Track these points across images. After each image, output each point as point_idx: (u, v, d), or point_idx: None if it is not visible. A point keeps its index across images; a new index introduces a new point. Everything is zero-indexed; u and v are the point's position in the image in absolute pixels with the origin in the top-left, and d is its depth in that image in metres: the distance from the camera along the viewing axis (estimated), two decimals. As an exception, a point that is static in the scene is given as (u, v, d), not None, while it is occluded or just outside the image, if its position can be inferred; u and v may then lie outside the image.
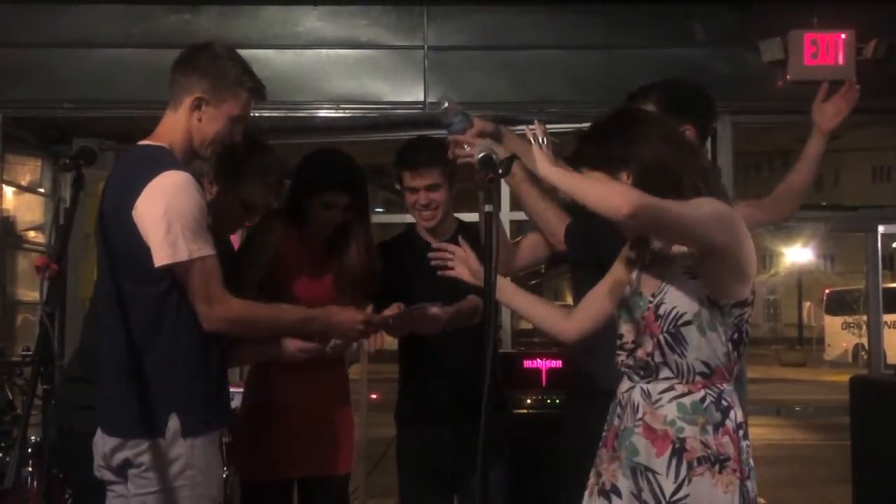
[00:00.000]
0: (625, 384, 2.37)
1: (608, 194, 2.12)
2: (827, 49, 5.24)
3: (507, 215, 5.40)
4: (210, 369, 2.59)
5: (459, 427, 3.19)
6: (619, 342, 2.38)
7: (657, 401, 2.27)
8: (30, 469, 3.59)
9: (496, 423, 2.74)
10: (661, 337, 2.27)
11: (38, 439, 3.55)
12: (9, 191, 5.64)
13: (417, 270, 3.14)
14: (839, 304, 24.22)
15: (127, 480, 2.51)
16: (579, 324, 2.55)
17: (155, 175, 2.46)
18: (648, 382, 2.30)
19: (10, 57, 5.32)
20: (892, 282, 21.18)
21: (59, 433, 2.73)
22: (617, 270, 2.49)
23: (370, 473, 6.41)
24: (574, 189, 2.19)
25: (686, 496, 2.20)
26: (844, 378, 5.04)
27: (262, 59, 5.24)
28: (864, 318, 7.63)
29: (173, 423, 2.46)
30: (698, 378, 2.26)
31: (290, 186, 3.25)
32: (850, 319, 23.14)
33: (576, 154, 2.37)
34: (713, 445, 2.22)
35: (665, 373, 2.28)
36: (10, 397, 4.88)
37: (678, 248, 2.30)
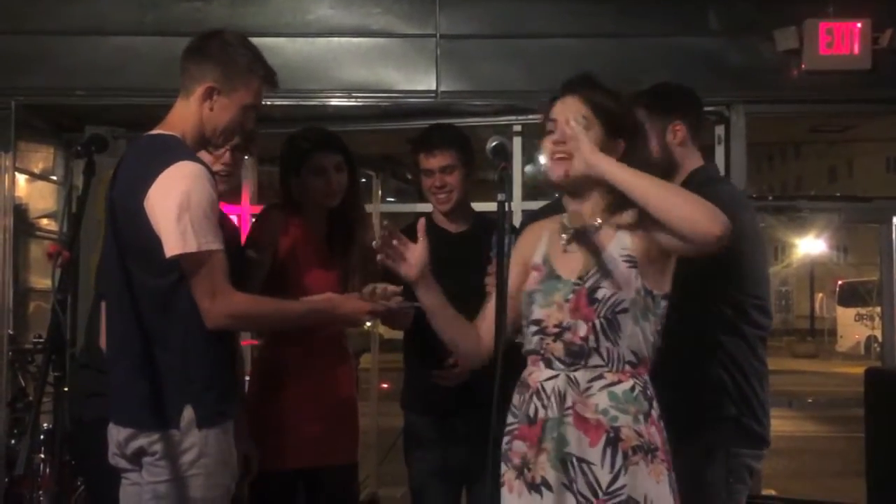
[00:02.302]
0: (542, 373, 2.31)
1: (702, 209, 2.13)
2: (842, 38, 5.19)
3: (518, 204, 5.39)
4: (223, 359, 2.59)
5: (466, 416, 3.20)
6: (535, 328, 2.33)
7: (587, 389, 2.24)
8: (41, 456, 3.61)
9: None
10: (596, 321, 2.24)
11: (50, 426, 3.57)
12: (21, 178, 5.65)
13: (435, 258, 3.14)
14: (852, 296, 24.17)
15: (141, 468, 2.51)
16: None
17: (168, 165, 2.45)
18: (575, 370, 2.26)
19: (22, 44, 5.32)
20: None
21: (71, 421, 2.74)
22: (513, 272, 2.38)
23: (381, 462, 6.43)
24: (654, 190, 2.18)
25: (623, 486, 2.18)
26: (857, 370, 5.02)
27: (274, 47, 5.22)
28: (877, 309, 7.59)
29: (188, 413, 2.46)
30: (627, 367, 2.25)
31: (280, 176, 3.26)
32: (862, 311, 23.09)
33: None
34: (645, 434, 2.22)
35: (595, 360, 2.25)
36: (23, 384, 4.91)
37: (613, 233, 2.30)
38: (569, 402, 2.24)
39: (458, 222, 3.41)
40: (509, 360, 2.17)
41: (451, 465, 3.34)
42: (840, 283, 25.99)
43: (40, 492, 3.54)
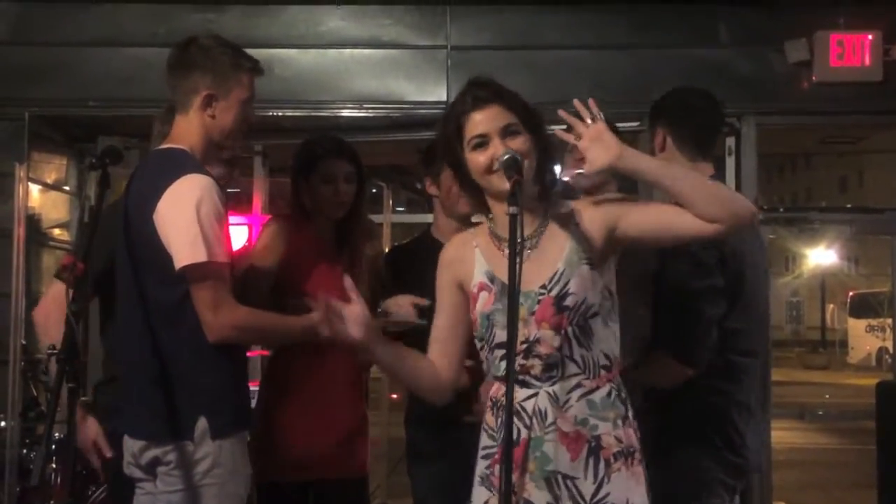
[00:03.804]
0: (519, 392, 2.21)
1: (737, 195, 2.20)
2: (853, 50, 5.19)
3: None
4: (236, 369, 2.59)
5: (469, 430, 3.19)
6: (501, 351, 2.24)
7: (566, 402, 2.20)
8: (54, 466, 3.61)
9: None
10: (568, 329, 2.18)
11: (63, 436, 3.58)
12: (34, 188, 5.68)
13: (433, 274, 3.14)
14: (863, 307, 24.05)
15: (156, 478, 2.52)
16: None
17: (176, 178, 2.47)
18: (553, 384, 2.20)
19: (35, 56, 5.36)
20: (917, 285, 20.91)
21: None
22: (446, 297, 2.38)
23: (391, 474, 6.42)
24: (694, 182, 2.18)
25: (607, 495, 2.16)
26: (868, 381, 5.01)
27: (286, 58, 5.26)
28: (889, 321, 7.56)
29: (202, 424, 2.46)
30: (602, 371, 2.22)
31: (291, 180, 3.27)
32: (873, 322, 22.94)
33: None
34: (623, 438, 2.20)
35: (571, 368, 2.20)
36: (35, 394, 4.92)
37: (560, 240, 2.24)
38: (550, 419, 2.19)
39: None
40: None
41: (455, 479, 3.33)
42: (851, 294, 25.86)
43: (52, 502, 3.55)
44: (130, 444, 2.57)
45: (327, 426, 3.12)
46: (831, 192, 36.22)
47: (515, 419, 2.21)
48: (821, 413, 11.02)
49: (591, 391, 2.20)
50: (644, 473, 2.22)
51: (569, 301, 2.19)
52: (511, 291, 2.03)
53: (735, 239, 2.73)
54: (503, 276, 2.19)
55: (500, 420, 2.27)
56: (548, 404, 2.20)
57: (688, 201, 2.13)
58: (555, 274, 2.21)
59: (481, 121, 2.25)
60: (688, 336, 2.77)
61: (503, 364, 2.24)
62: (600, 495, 2.16)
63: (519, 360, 2.20)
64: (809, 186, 39.51)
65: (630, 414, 2.24)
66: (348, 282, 2.27)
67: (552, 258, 2.23)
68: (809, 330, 33.68)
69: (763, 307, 3.04)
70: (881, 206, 8.85)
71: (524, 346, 2.20)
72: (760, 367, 2.99)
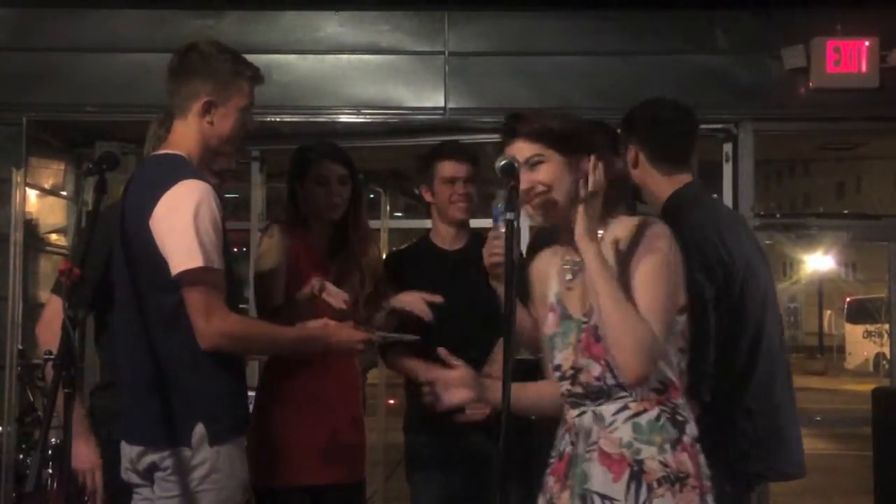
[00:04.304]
0: (573, 411, 2.27)
1: (629, 352, 2.11)
2: (850, 56, 5.20)
3: (527, 222, 5.39)
4: (234, 375, 2.59)
5: (468, 437, 3.20)
6: (557, 373, 2.29)
7: (611, 423, 2.20)
8: (49, 471, 3.61)
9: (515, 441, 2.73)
10: (609, 359, 2.19)
11: (59, 441, 3.58)
12: (32, 194, 5.68)
13: (432, 279, 3.15)
14: (860, 313, 24.06)
15: (153, 484, 2.52)
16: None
17: (172, 184, 2.46)
18: (600, 405, 2.22)
19: (33, 61, 5.36)
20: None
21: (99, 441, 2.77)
22: (541, 309, 2.40)
23: (388, 479, 6.42)
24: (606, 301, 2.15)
25: None
26: (865, 387, 5.01)
27: (284, 64, 5.27)
28: (886, 326, 7.57)
29: (199, 430, 2.46)
30: (652, 394, 2.20)
31: (287, 186, 3.29)
32: (871, 328, 22.97)
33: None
34: (672, 464, 2.16)
35: (618, 392, 2.20)
36: (32, 399, 4.91)
37: (613, 264, 2.22)
38: (594, 438, 2.21)
39: (456, 241, 3.41)
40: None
41: (454, 485, 3.33)
42: (848, 299, 25.88)
43: (48, 506, 3.55)
44: (128, 450, 2.56)
45: (324, 432, 3.13)
46: (829, 199, 36.26)
47: (567, 434, 2.28)
48: (818, 419, 10.99)
49: (638, 414, 2.19)
50: (700, 500, 2.17)
51: (602, 331, 2.19)
52: (507, 298, 2.03)
53: (733, 248, 2.73)
54: (565, 300, 2.30)
55: (560, 433, 2.32)
56: (592, 424, 2.22)
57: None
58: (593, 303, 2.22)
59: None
60: (693, 373, 2.72)
61: (560, 384, 2.29)
62: None
63: (566, 385, 2.27)
64: (807, 193, 39.56)
65: (687, 439, 2.19)
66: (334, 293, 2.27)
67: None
68: (807, 336, 33.71)
69: (759, 310, 2.97)
70: (878, 213, 8.85)
71: (572, 371, 2.25)
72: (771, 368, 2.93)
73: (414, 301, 3.12)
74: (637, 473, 2.15)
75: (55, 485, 3.54)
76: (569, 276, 2.32)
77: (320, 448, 3.12)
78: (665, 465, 2.15)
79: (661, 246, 2.21)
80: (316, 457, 3.11)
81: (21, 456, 4.66)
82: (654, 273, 2.18)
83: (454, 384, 2.32)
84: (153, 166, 2.61)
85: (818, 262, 28.51)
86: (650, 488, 2.14)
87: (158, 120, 2.98)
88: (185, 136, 2.60)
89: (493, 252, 2.68)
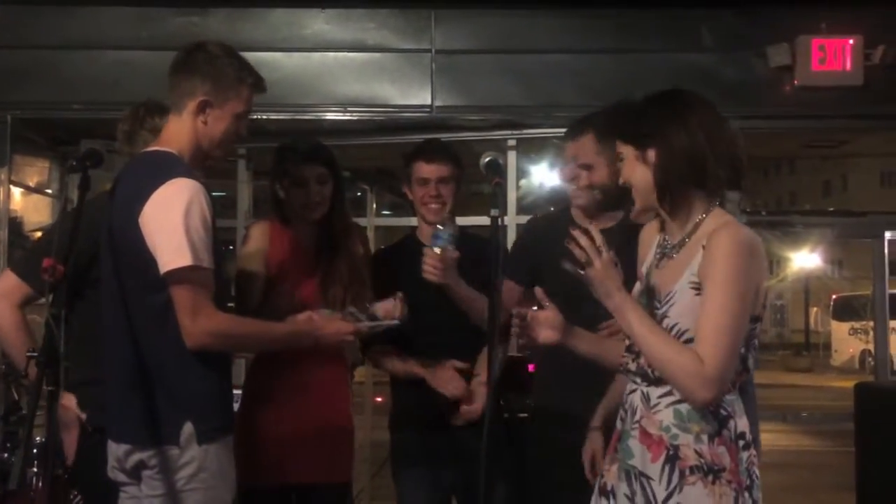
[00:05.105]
0: (630, 386, 2.34)
1: (688, 379, 2.13)
2: (835, 54, 5.23)
3: (513, 219, 5.40)
4: (221, 373, 2.58)
5: (454, 433, 3.21)
6: (627, 341, 2.33)
7: (655, 405, 2.24)
8: (34, 470, 3.59)
9: (497, 433, 2.74)
10: None
11: (43, 440, 3.56)
12: (17, 191, 5.66)
13: (418, 276, 3.15)
14: (846, 310, 24.15)
15: (140, 482, 2.51)
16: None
17: (163, 182, 2.45)
18: (648, 386, 2.26)
19: (19, 58, 5.34)
20: (900, 288, 21.02)
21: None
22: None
23: (374, 476, 6.42)
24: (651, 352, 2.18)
25: None
26: (851, 384, 5.02)
27: (270, 61, 5.26)
28: (871, 323, 7.61)
29: (187, 429, 2.45)
30: None
31: (269, 186, 3.28)
32: (857, 325, 23.05)
33: (610, 125, 2.34)
34: (707, 455, 2.18)
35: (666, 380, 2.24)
36: (17, 397, 4.89)
37: (690, 256, 2.24)
38: (637, 416, 2.26)
39: None
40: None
41: (440, 482, 3.34)
42: (834, 297, 25.97)
43: (33, 505, 3.53)
44: (115, 448, 2.55)
45: (312, 429, 3.11)
46: (815, 196, 36.41)
47: (622, 409, 2.33)
48: (804, 415, 11.05)
49: (681, 401, 2.21)
50: (735, 498, 2.17)
51: (665, 323, 2.22)
52: (492, 291, 2.04)
53: None
54: (651, 276, 2.31)
55: (620, 411, 2.36)
56: (639, 402, 2.26)
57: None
58: (671, 293, 2.24)
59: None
60: None
61: (625, 359, 2.33)
62: (671, 503, 2.18)
63: (628, 360, 2.31)
64: (794, 190, 39.70)
65: (728, 434, 2.20)
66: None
67: (676, 274, 2.25)
68: (793, 333, 33.84)
69: None
70: (864, 210, 8.89)
71: (637, 350, 2.27)
72: None
73: (390, 309, 3.09)
74: (672, 458, 2.19)
75: (39, 483, 3.53)
76: (657, 258, 2.33)
77: (307, 447, 3.10)
78: (700, 454, 2.18)
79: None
80: (302, 456, 3.09)
81: (6, 455, 4.63)
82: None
83: (545, 323, 2.33)
84: (144, 163, 2.59)
85: (804, 259, 28.57)
86: (682, 474, 2.17)
87: (134, 116, 2.97)
88: (179, 133, 2.59)
89: (428, 271, 2.72)
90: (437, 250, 2.83)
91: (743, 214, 5.47)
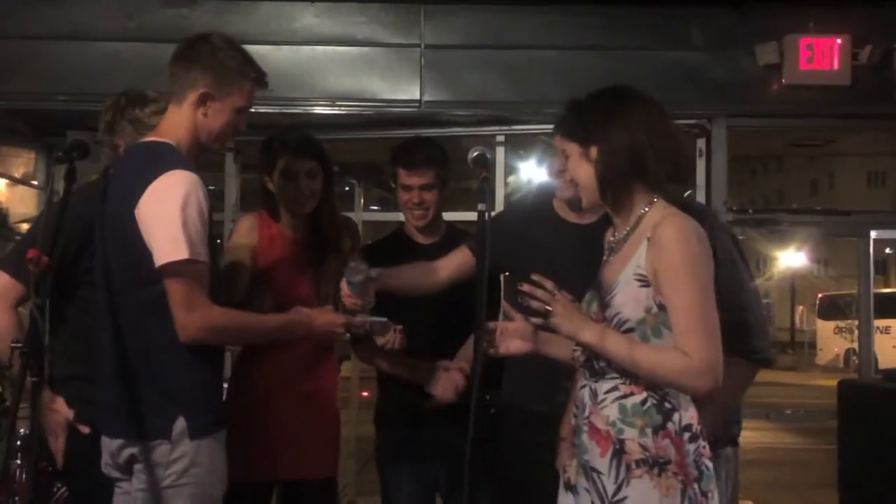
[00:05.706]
0: (580, 382, 2.37)
1: (678, 376, 2.17)
2: (822, 54, 5.25)
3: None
4: (214, 368, 2.57)
5: (439, 428, 3.21)
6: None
7: (602, 401, 2.28)
8: (18, 462, 3.58)
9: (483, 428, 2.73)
10: None
11: (27, 432, 3.55)
12: (2, 182, 5.64)
13: None
14: (831, 309, 24.30)
15: (132, 476, 2.50)
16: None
17: (160, 174, 2.43)
18: (596, 382, 2.30)
19: (5, 48, 5.31)
20: (885, 287, 21.20)
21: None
22: None
23: (360, 471, 6.42)
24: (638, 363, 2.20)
25: (625, 497, 2.21)
26: (835, 382, 5.05)
27: (259, 54, 5.09)
28: (857, 322, 7.65)
29: (180, 424, 2.44)
30: (642, 380, 2.24)
31: (258, 179, 3.26)
32: (842, 324, 23.20)
33: (558, 122, 2.37)
34: (652, 448, 2.21)
35: (611, 373, 2.27)
36: (1, 389, 4.87)
37: (634, 248, 2.27)
38: (587, 412, 2.30)
39: (430, 234, 3.41)
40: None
41: (425, 477, 3.34)
42: (820, 296, 26.13)
43: (16, 498, 3.51)
44: (108, 443, 2.54)
45: (299, 424, 3.10)
46: (802, 195, 36.60)
47: (575, 407, 2.37)
48: (788, 413, 11.11)
49: (626, 396, 2.25)
50: (681, 489, 2.19)
51: (607, 313, 2.26)
52: (479, 286, 2.05)
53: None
54: (602, 270, 2.38)
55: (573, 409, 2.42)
56: (588, 399, 2.30)
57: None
58: (614, 285, 2.27)
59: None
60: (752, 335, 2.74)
61: (576, 351, 2.37)
62: (619, 496, 2.21)
63: (578, 352, 2.34)
64: (781, 189, 39.89)
65: (672, 427, 2.22)
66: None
67: (619, 267, 2.29)
68: (779, 331, 34.01)
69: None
70: (851, 209, 8.92)
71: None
72: None
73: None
74: (619, 452, 2.23)
75: (23, 476, 3.51)
76: (606, 255, 2.38)
77: (293, 441, 3.09)
78: (644, 448, 2.21)
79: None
80: (288, 450, 3.08)
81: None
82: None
83: (514, 334, 2.39)
84: (141, 154, 2.56)
85: (791, 258, 28.73)
86: (628, 468, 2.21)
87: (115, 106, 2.95)
88: (177, 124, 2.57)
89: (350, 304, 2.73)
90: (350, 288, 2.80)
91: (729, 213, 5.52)
